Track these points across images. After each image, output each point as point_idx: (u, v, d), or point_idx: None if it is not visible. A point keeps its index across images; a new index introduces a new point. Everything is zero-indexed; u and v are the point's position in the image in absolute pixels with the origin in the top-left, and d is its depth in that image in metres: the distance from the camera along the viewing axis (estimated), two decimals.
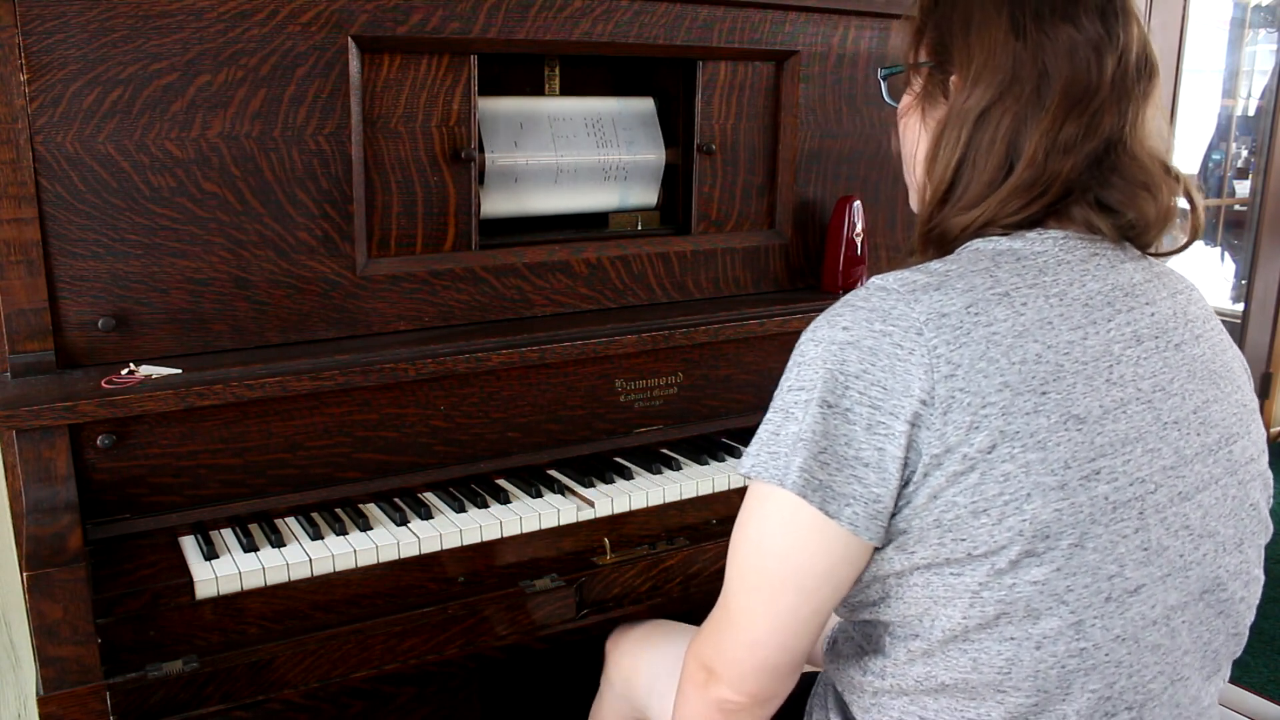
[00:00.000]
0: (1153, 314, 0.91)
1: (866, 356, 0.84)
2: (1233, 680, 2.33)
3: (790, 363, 0.89)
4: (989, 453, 0.81)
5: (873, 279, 0.90)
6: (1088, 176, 0.90)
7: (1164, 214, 0.92)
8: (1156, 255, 0.96)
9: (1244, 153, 4.14)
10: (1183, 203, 0.98)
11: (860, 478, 0.84)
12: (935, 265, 0.90)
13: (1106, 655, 0.85)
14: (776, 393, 0.89)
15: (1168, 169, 0.93)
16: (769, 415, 0.89)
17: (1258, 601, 0.97)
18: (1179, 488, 0.88)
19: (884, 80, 1.07)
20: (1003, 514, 0.82)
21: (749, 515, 0.90)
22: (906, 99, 1.02)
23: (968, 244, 0.93)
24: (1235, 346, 1.00)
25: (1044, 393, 0.83)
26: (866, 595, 0.91)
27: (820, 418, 0.84)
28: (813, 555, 0.86)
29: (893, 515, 0.85)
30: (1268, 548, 0.99)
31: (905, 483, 0.84)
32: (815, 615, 0.89)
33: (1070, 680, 0.84)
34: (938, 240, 0.95)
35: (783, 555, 0.87)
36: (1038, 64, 0.89)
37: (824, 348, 0.86)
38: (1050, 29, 0.89)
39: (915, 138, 1.01)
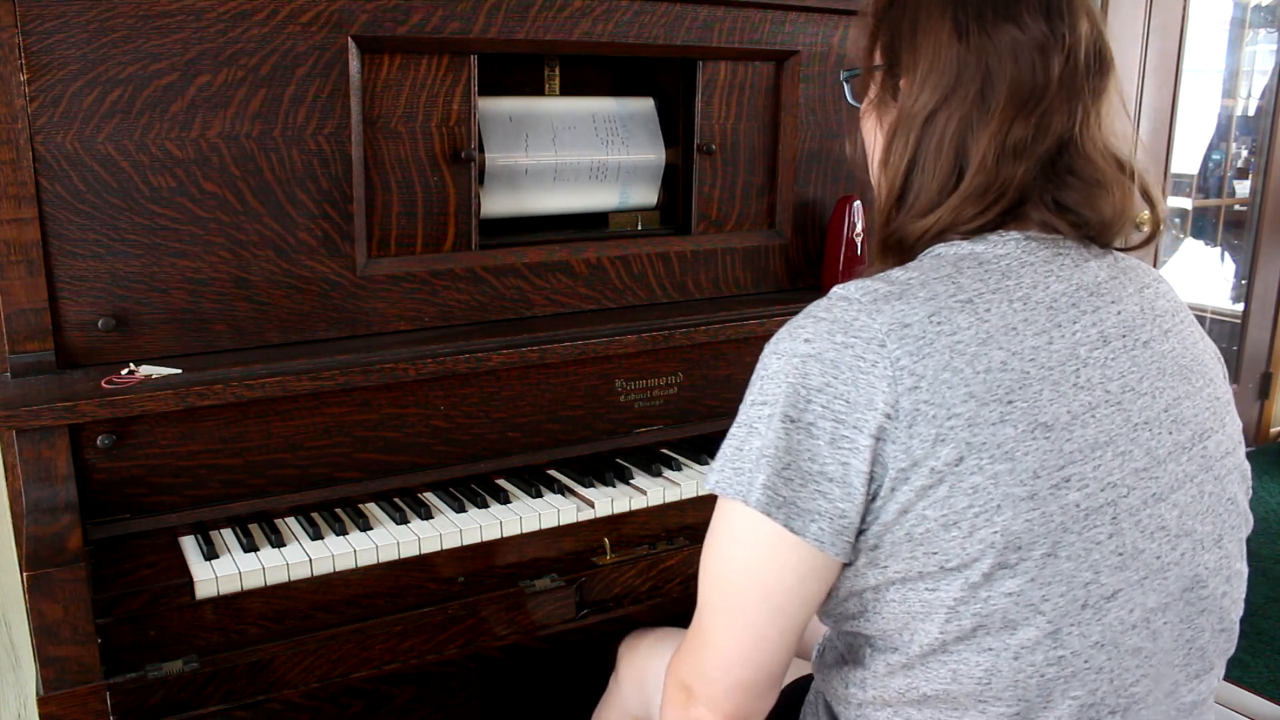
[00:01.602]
0: (1119, 312, 0.90)
1: (829, 369, 0.83)
2: (1233, 680, 2.33)
3: (754, 375, 0.88)
4: (956, 465, 0.80)
5: (835, 288, 0.89)
6: (1042, 179, 0.89)
7: (1120, 212, 0.91)
8: (1122, 250, 0.95)
9: (1244, 153, 4.14)
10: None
11: (825, 493, 0.83)
12: (897, 273, 0.89)
13: (1086, 662, 0.84)
14: (741, 406, 0.88)
15: (1122, 165, 0.92)
16: (733, 429, 0.88)
17: (1243, 595, 0.96)
18: (1152, 489, 0.87)
19: (846, 83, 1.06)
20: (973, 526, 0.81)
21: (717, 532, 0.89)
22: (865, 102, 1.01)
23: (930, 249, 0.92)
24: (1207, 338, 0.98)
25: (1010, 401, 0.82)
26: (846, 608, 0.91)
27: (783, 433, 0.83)
28: (780, 572, 0.85)
29: (862, 531, 0.84)
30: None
31: (872, 497, 0.83)
32: (787, 632, 0.88)
33: (1051, 688, 0.84)
34: (896, 246, 0.94)
35: (751, 573, 0.86)
36: (981, 66, 0.88)
37: (786, 360, 0.85)
38: (993, 30, 0.88)
39: (873, 141, 1.00)
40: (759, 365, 0.88)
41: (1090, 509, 0.83)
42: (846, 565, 0.87)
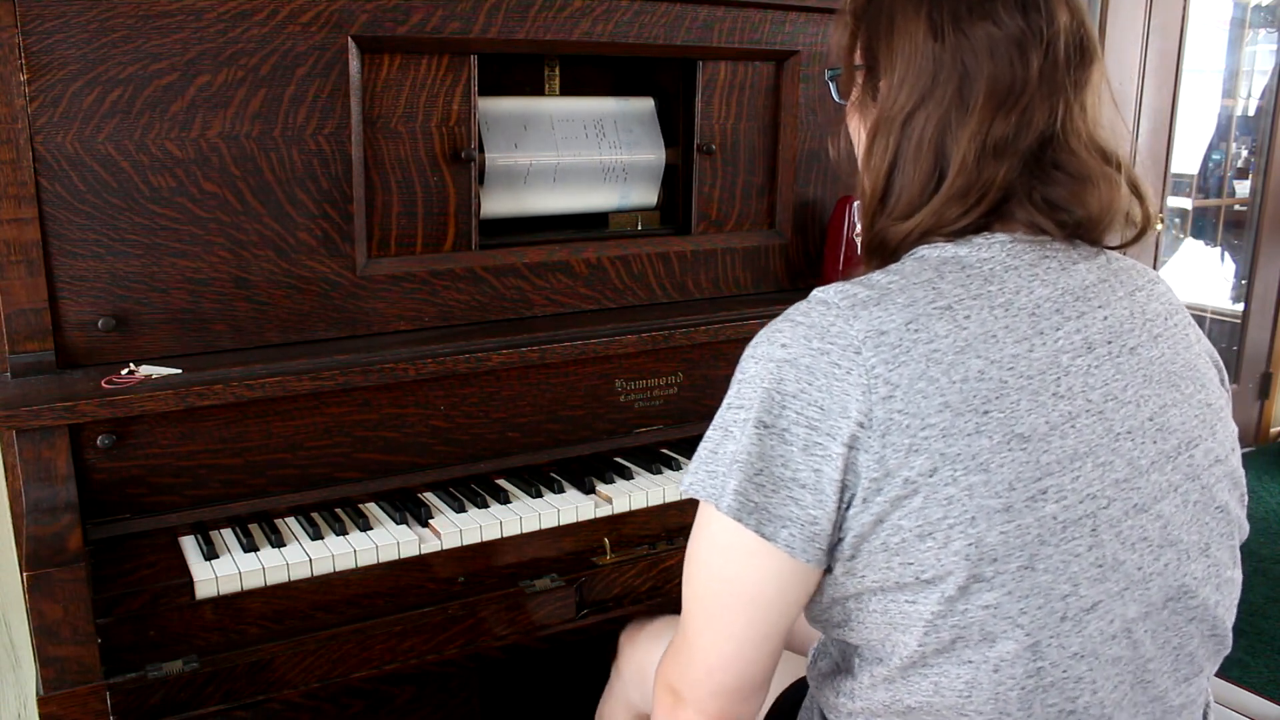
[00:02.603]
0: (1105, 317, 0.88)
1: (804, 375, 0.82)
2: (1233, 680, 2.33)
3: (733, 378, 0.88)
4: (930, 476, 0.80)
5: (815, 291, 0.88)
6: (1027, 176, 0.88)
7: (1108, 206, 0.89)
8: (1111, 249, 0.93)
9: (1244, 153, 4.14)
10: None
11: (797, 499, 0.82)
12: (878, 277, 0.87)
13: (1065, 673, 0.83)
14: (720, 408, 0.88)
15: (1108, 158, 0.90)
16: (709, 432, 0.88)
17: (1236, 601, 0.95)
18: (1134, 500, 0.85)
19: (830, 81, 1.04)
20: (948, 538, 0.80)
21: (696, 537, 0.89)
22: (850, 101, 0.99)
23: (913, 251, 0.90)
24: (1203, 341, 0.96)
25: (986, 412, 0.81)
26: (831, 616, 0.90)
27: (757, 438, 0.83)
28: (755, 578, 0.85)
29: (840, 540, 0.83)
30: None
31: (846, 505, 0.82)
32: (769, 638, 0.87)
33: (1031, 700, 0.83)
34: (880, 248, 0.93)
35: (728, 578, 0.86)
36: (957, 65, 0.87)
37: (762, 365, 0.85)
38: (968, 28, 0.87)
39: (857, 141, 0.99)
40: (737, 368, 0.88)
41: (1068, 521, 0.82)
42: (827, 573, 0.86)
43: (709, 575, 0.87)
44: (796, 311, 0.87)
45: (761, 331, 0.88)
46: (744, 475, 0.83)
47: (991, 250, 0.88)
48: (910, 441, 0.80)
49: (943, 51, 0.87)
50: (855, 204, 1.86)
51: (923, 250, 0.90)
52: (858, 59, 0.96)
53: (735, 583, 0.86)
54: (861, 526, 0.82)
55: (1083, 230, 0.90)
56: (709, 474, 0.85)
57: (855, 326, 0.83)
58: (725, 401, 0.87)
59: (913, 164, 0.89)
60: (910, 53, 0.89)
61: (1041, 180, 0.88)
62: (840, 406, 0.81)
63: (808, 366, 0.83)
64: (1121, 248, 0.94)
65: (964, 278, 0.86)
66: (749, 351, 0.87)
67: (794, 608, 0.87)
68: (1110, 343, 0.88)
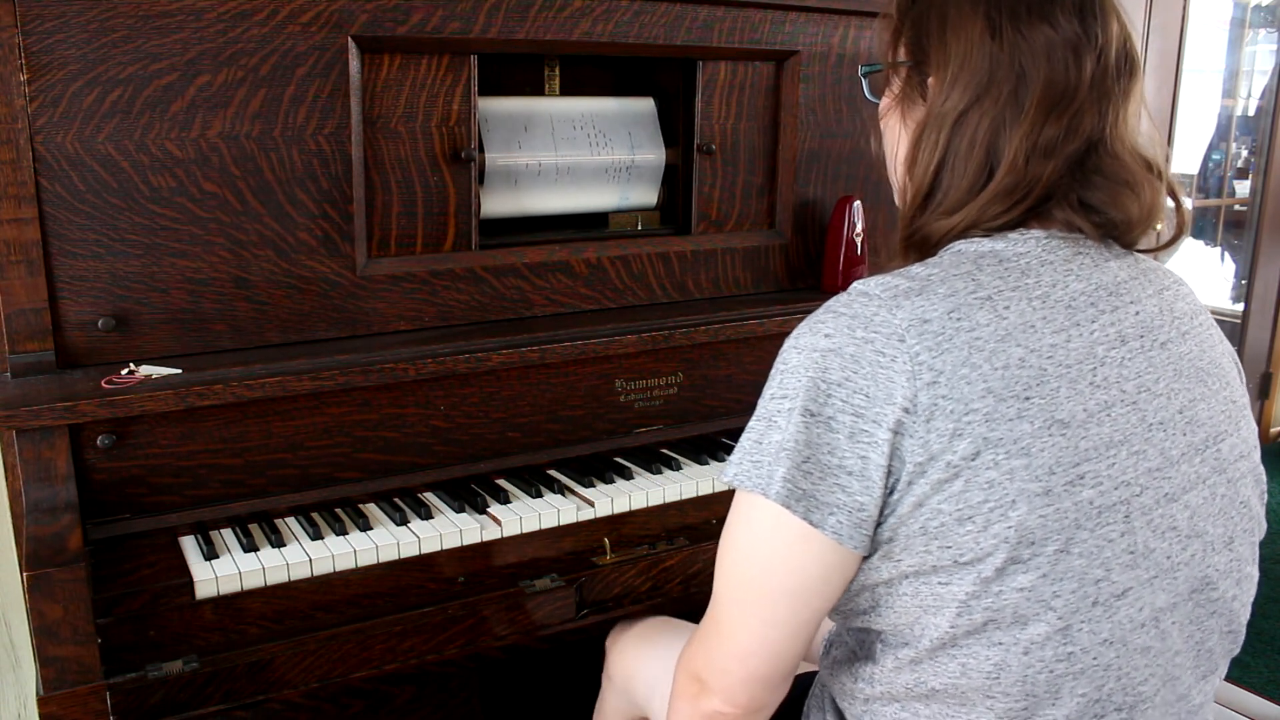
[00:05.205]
0: (1137, 313, 0.90)
1: (849, 364, 0.84)
2: (1232, 680, 2.33)
3: (773, 369, 0.89)
4: (973, 460, 0.81)
5: (855, 284, 0.89)
6: (1069, 178, 0.89)
7: (1147, 212, 0.91)
8: (1144, 252, 0.96)
9: (1244, 153, 4.14)
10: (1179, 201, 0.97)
11: (844, 486, 0.83)
12: (917, 269, 0.89)
13: (1094, 659, 0.84)
14: (760, 400, 0.89)
15: (1150, 166, 0.92)
16: (752, 423, 0.89)
17: (1252, 599, 0.97)
18: (1165, 489, 0.87)
19: (864, 78, 1.06)
20: (988, 521, 0.81)
21: (735, 525, 0.90)
22: (886, 99, 1.01)
23: (950, 246, 0.92)
24: (1225, 341, 0.98)
25: (1027, 398, 0.83)
26: (857, 603, 0.91)
27: (803, 426, 0.84)
28: (799, 565, 0.86)
29: (879, 524, 0.84)
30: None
31: (890, 491, 0.83)
32: (805, 625, 0.88)
33: (1059, 685, 0.84)
34: (919, 245, 0.94)
35: (769, 565, 0.87)
36: (1014, 66, 0.88)
37: (806, 355, 0.86)
38: (1026, 29, 0.88)
39: (895, 138, 1.00)
40: (779, 359, 0.89)
41: (1104, 506, 0.84)
42: (863, 559, 0.87)
43: (749, 563, 0.88)
44: (838, 303, 0.88)
45: (802, 324, 0.89)
46: (791, 463, 0.84)
47: (1027, 245, 0.89)
48: (954, 426, 0.81)
49: (1000, 51, 0.89)
50: (855, 204, 1.86)
51: (959, 245, 0.92)
52: (902, 55, 0.97)
53: (777, 570, 0.86)
54: (902, 510, 0.83)
55: (1119, 232, 0.92)
56: (754, 464, 0.86)
57: (898, 315, 0.84)
58: (767, 393, 0.88)
59: (964, 162, 0.90)
60: (966, 51, 0.90)
61: (1083, 184, 0.90)
62: (886, 393, 0.82)
63: (852, 355, 0.84)
64: (1152, 252, 0.96)
65: (1001, 270, 0.88)
66: (790, 343, 0.88)
67: (834, 594, 0.88)
68: (1142, 337, 0.90)
